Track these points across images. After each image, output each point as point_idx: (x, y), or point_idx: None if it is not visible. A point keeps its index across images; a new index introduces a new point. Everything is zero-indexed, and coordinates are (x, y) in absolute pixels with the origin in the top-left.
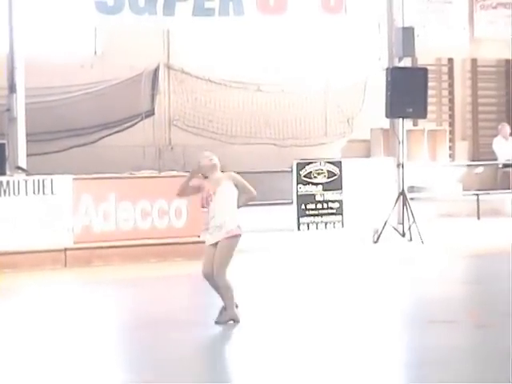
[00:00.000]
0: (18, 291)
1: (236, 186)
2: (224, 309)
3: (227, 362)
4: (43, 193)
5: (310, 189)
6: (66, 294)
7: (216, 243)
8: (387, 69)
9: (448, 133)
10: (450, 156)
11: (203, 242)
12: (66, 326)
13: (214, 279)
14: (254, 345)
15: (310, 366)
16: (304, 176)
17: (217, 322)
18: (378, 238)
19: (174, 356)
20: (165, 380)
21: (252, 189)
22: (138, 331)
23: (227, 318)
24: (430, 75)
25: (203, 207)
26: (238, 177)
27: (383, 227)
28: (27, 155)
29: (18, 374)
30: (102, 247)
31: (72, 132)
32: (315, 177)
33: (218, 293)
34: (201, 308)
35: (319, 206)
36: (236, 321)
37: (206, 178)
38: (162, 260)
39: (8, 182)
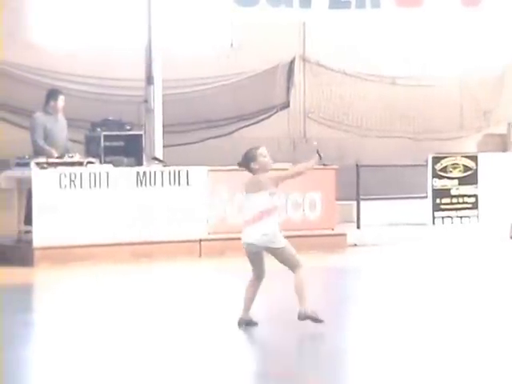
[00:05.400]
0: (153, 280)
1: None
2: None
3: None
4: (179, 184)
5: (445, 183)
6: (201, 282)
7: None
8: None
9: None
10: None
11: (337, 235)
12: (200, 314)
13: None
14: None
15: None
16: (439, 170)
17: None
18: None
19: (303, 350)
20: (295, 373)
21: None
22: (269, 323)
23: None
24: None
25: None
26: (275, 174)
27: None
28: (163, 146)
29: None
30: (235, 238)
31: (208, 124)
32: (451, 171)
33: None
34: (333, 303)
35: (454, 200)
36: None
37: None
38: (297, 252)
39: (145, 173)
